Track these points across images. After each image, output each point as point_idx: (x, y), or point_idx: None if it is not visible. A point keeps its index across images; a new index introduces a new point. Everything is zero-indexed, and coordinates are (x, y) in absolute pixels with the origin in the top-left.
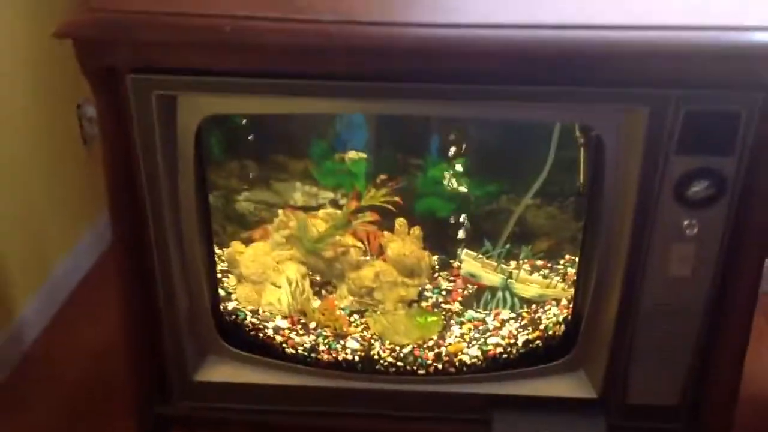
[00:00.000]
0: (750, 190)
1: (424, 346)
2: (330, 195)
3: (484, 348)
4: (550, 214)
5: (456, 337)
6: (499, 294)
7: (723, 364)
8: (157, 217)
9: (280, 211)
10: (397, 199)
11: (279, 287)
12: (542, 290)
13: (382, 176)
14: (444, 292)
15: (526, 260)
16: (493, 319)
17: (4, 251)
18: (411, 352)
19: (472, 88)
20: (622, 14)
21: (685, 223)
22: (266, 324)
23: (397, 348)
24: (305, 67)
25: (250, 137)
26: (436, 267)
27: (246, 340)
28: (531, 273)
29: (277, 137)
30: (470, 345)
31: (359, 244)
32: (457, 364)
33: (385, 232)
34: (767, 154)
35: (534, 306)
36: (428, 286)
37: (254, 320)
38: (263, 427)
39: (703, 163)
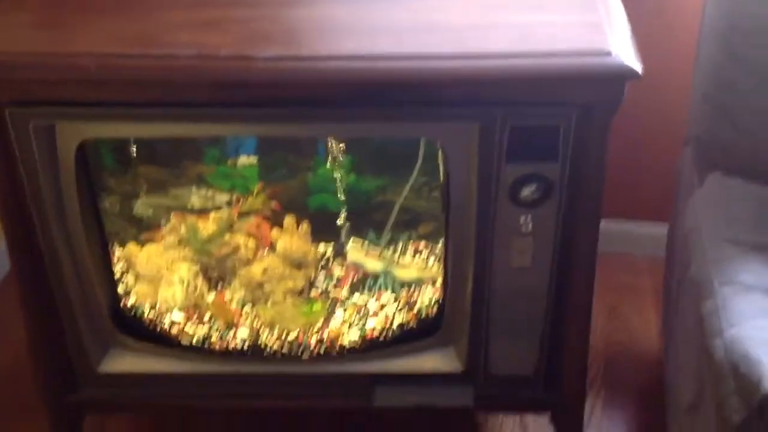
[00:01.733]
0: (575, 189)
1: (309, 332)
2: (225, 197)
3: (363, 332)
4: (428, 202)
5: (338, 321)
6: (381, 279)
7: (570, 336)
8: (45, 227)
9: (172, 215)
10: (273, 205)
11: (173, 285)
12: (419, 273)
13: (260, 184)
14: (335, 280)
15: (411, 242)
16: (375, 302)
17: None
18: (296, 339)
19: (319, 111)
20: (450, 44)
21: (521, 220)
22: (163, 317)
23: (283, 335)
24: (165, 97)
25: (141, 149)
26: (329, 257)
27: (147, 332)
28: (413, 256)
29: (169, 146)
30: (350, 328)
31: (248, 242)
32: (338, 347)
33: (275, 229)
34: (585, 159)
35: (413, 287)
36: (321, 275)
37: (152, 315)
38: (167, 410)
39: (532, 169)
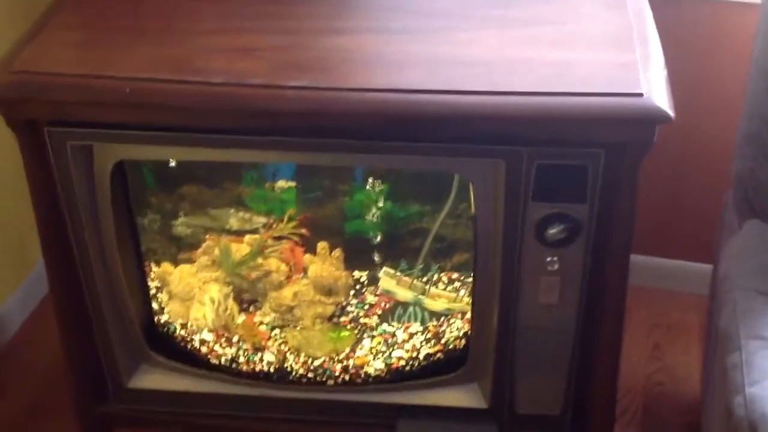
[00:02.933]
0: (604, 229)
1: (335, 359)
2: (263, 220)
3: (388, 361)
4: (463, 231)
5: (365, 350)
6: (411, 309)
7: (598, 375)
8: (80, 243)
9: (207, 236)
10: (304, 231)
11: (204, 305)
12: (450, 304)
13: (292, 210)
14: (366, 306)
15: (443, 273)
16: (403, 332)
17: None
18: (321, 365)
19: (347, 142)
20: (479, 79)
21: (547, 259)
22: (193, 336)
23: (309, 360)
24: (198, 122)
25: (181, 169)
26: (364, 282)
27: (178, 349)
28: (445, 287)
29: (209, 167)
30: (376, 358)
31: (280, 266)
32: (362, 375)
33: (307, 255)
34: (615, 200)
35: (441, 319)
36: (353, 301)
37: (183, 333)
38: (194, 428)
39: (559, 208)
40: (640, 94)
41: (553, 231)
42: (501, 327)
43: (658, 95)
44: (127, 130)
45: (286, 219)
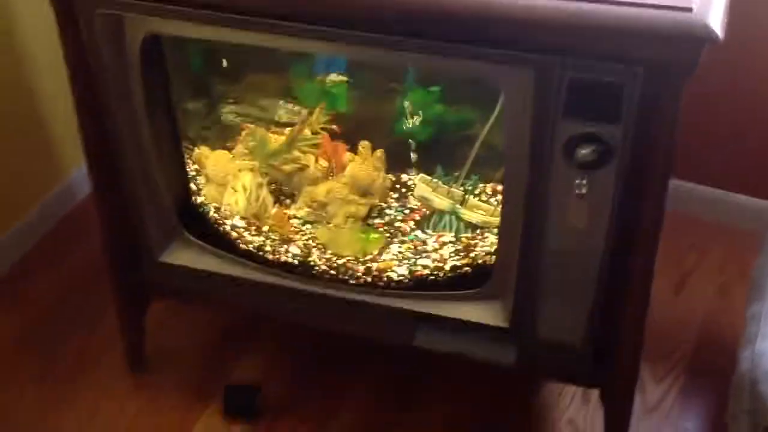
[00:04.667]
0: (639, 154)
1: (360, 259)
2: (311, 113)
3: (413, 268)
4: None
5: (392, 254)
6: (447, 218)
7: (626, 310)
8: (112, 118)
9: (248, 125)
10: (335, 127)
11: (237, 192)
12: (487, 217)
13: (323, 105)
14: (407, 211)
15: (488, 184)
16: (434, 241)
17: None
18: (344, 264)
19: (369, 37)
20: None
21: (576, 181)
22: (225, 221)
23: (333, 258)
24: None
25: (229, 55)
26: (409, 186)
27: (211, 232)
28: (487, 199)
29: (256, 54)
30: (401, 264)
31: (319, 161)
32: (385, 279)
33: (349, 153)
34: (651, 124)
35: (476, 232)
36: (394, 204)
37: (216, 216)
38: (220, 307)
39: (590, 128)
40: (689, 9)
41: (582, 152)
42: (525, 246)
43: (710, 11)
44: (159, 2)
45: (317, 113)
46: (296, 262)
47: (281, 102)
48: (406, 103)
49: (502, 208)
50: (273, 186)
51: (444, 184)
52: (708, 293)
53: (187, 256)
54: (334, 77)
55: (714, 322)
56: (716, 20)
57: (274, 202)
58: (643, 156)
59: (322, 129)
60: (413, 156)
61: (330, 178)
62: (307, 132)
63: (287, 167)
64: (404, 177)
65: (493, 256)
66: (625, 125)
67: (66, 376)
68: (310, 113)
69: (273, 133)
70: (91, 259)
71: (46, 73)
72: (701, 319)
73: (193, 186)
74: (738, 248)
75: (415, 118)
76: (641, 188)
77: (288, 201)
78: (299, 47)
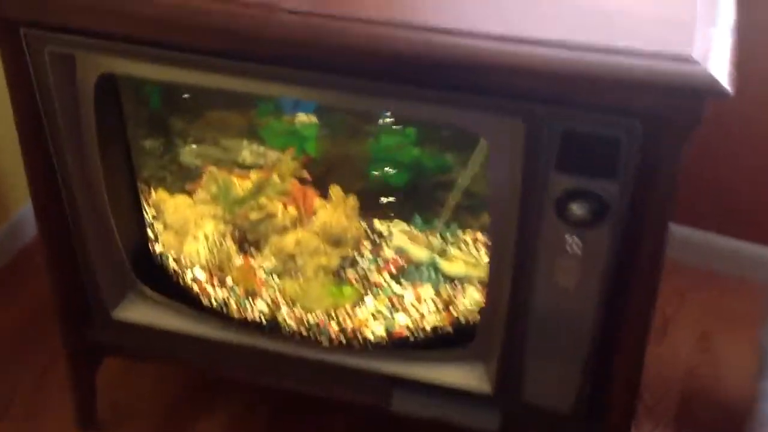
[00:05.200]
0: (636, 211)
1: (332, 316)
2: (278, 155)
3: (390, 326)
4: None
5: (367, 310)
6: (424, 269)
7: (618, 371)
8: (61, 160)
9: (210, 168)
10: (305, 174)
11: (198, 240)
12: (468, 269)
13: (291, 150)
14: (379, 262)
15: (466, 232)
16: (412, 294)
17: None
18: (316, 322)
19: (344, 80)
20: (500, 24)
21: (567, 239)
22: (185, 272)
23: (304, 315)
24: (182, 40)
25: (190, 92)
26: (382, 235)
27: (169, 284)
28: (465, 248)
29: (221, 94)
30: (377, 320)
31: (286, 208)
32: (360, 338)
33: (318, 199)
34: (651, 180)
35: (456, 285)
36: (366, 254)
37: (176, 267)
38: (179, 368)
39: (584, 184)
40: (690, 58)
41: (575, 209)
42: (512, 305)
43: (715, 62)
44: (112, 40)
45: (289, 157)
46: (264, 319)
47: (245, 142)
48: (382, 145)
49: (489, 264)
50: (237, 233)
51: (421, 232)
52: (690, 341)
53: (144, 311)
54: (302, 117)
55: (697, 372)
56: (723, 71)
57: (238, 251)
58: (640, 212)
59: (293, 175)
60: (387, 202)
61: (298, 226)
62: (275, 178)
63: (253, 215)
64: (378, 225)
65: (476, 313)
66: (622, 181)
67: (10, 428)
68: (278, 157)
69: (237, 176)
70: (42, 301)
71: None
72: (684, 368)
73: (150, 233)
74: (720, 293)
75: (394, 160)
76: (636, 243)
77: (253, 249)
78: (269, 91)
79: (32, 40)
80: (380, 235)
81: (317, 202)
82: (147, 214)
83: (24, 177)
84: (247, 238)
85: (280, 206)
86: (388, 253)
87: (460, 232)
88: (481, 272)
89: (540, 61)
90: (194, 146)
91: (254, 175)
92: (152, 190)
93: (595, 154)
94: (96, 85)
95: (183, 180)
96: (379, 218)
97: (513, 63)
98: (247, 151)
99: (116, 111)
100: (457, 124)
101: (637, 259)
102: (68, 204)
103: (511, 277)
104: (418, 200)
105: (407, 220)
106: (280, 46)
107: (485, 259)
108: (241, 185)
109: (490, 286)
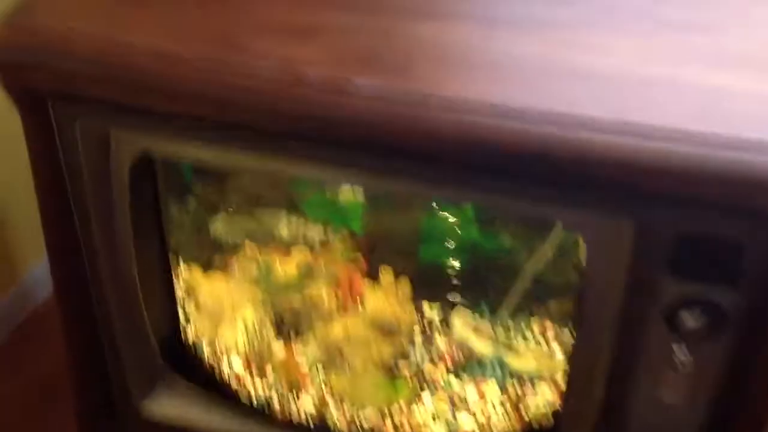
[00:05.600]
0: (757, 323)
1: (386, 413)
2: (319, 231)
3: (452, 427)
4: (566, 274)
5: (426, 409)
6: (488, 364)
7: None
8: (88, 239)
9: (247, 245)
10: (360, 257)
11: (236, 327)
12: (538, 364)
13: (344, 230)
14: (434, 354)
15: (534, 321)
16: (474, 391)
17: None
18: (369, 420)
19: (422, 168)
20: (601, 104)
21: (676, 351)
22: (221, 361)
23: (355, 414)
24: (234, 118)
25: None
26: (432, 325)
27: (204, 374)
28: (533, 340)
29: None
30: (436, 420)
31: (330, 293)
32: None
33: (367, 280)
34: None
35: (525, 382)
36: (419, 345)
37: (210, 354)
38: None
39: (700, 290)
40: None
41: (688, 318)
42: (602, 417)
43: None
44: (151, 116)
45: (344, 240)
46: (310, 419)
47: (283, 215)
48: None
49: (573, 364)
50: (275, 318)
51: (484, 321)
52: None
53: (176, 405)
54: (347, 190)
55: None
56: None
57: (278, 338)
58: (760, 323)
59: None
60: (444, 287)
61: (344, 313)
62: (322, 263)
63: (295, 301)
64: (433, 312)
65: (550, 415)
66: (744, 290)
67: None
68: (321, 233)
69: (277, 254)
70: (53, 373)
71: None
72: None
73: (182, 316)
74: None
75: (450, 241)
76: (753, 358)
77: (293, 337)
78: (335, 178)
79: (62, 115)
80: (436, 324)
81: (366, 285)
82: (179, 295)
83: (34, 233)
84: (286, 325)
85: (325, 290)
86: (445, 344)
87: (527, 322)
88: (554, 368)
89: (654, 155)
90: (227, 217)
91: (297, 255)
92: (185, 268)
93: (713, 258)
94: (132, 164)
95: (216, 255)
96: (434, 305)
97: (624, 156)
98: (285, 225)
99: (151, 185)
100: (551, 218)
101: (753, 375)
102: (93, 282)
103: (604, 388)
104: (478, 285)
105: (467, 307)
106: (352, 130)
107: (558, 353)
108: (282, 267)
109: (574, 388)
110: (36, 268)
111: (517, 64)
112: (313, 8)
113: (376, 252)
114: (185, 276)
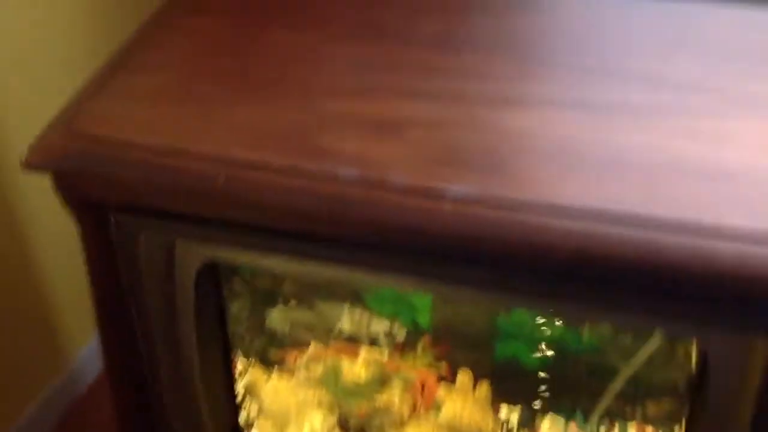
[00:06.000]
0: None
1: None
2: (384, 326)
3: None
4: (665, 373)
5: None
6: None
7: None
8: (151, 351)
9: (313, 344)
10: (443, 366)
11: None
12: None
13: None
14: None
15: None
16: None
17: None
18: None
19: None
20: (727, 203)
21: None
22: None
23: None
24: (313, 229)
25: None
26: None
27: None
28: None
29: None
30: None
31: (404, 397)
32: None
33: (443, 384)
34: None
35: None
36: None
37: None
38: None
39: None
40: None
41: None
42: None
43: None
44: (221, 225)
45: (420, 348)
46: None
47: (346, 307)
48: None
49: None
50: (343, 422)
51: (572, 424)
52: None
53: None
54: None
55: None
56: None
57: None
58: None
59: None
60: (526, 390)
61: (418, 418)
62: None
63: (366, 404)
64: (513, 416)
65: None
66: None
67: None
68: (391, 334)
69: (341, 351)
70: None
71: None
72: None
73: (242, 419)
74: None
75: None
76: None
77: None
78: (422, 290)
79: (124, 227)
80: (517, 429)
81: (442, 389)
82: (241, 396)
83: (82, 317)
84: (353, 430)
85: (398, 394)
86: None
87: (622, 428)
88: None
89: None
90: (284, 310)
91: (366, 355)
92: (246, 367)
93: None
94: (197, 273)
95: (277, 350)
96: (515, 408)
97: (754, 272)
98: (347, 319)
99: (215, 290)
100: (668, 333)
101: None
102: (151, 384)
103: None
104: (564, 388)
105: (554, 412)
106: (442, 241)
107: None
108: (348, 368)
109: None
110: (82, 351)
111: (626, 158)
112: (390, 97)
113: (448, 349)
114: (247, 377)
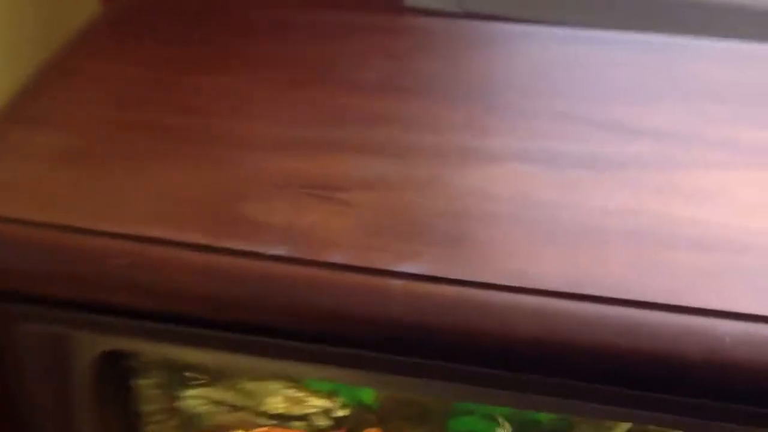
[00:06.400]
0: None
1: None
2: (323, 403)
3: None
4: None
5: None
6: None
7: None
8: None
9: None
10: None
11: None
12: None
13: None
14: None
15: None
16: None
17: None
18: None
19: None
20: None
21: None
22: None
23: None
24: (236, 319)
25: None
26: None
27: None
28: None
29: None
30: None
31: None
32: None
33: None
34: None
35: None
36: None
37: None
38: None
39: None
40: None
41: None
42: None
43: None
44: (121, 315)
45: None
46: None
47: (280, 386)
48: None
49: None
50: None
51: None
52: None
53: None
54: None
55: None
56: None
57: None
58: None
59: None
60: None
61: None
62: None
63: None
64: None
65: None
66: None
67: None
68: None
69: (265, 430)
70: None
71: None
72: None
73: None
74: None
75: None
76: None
77: None
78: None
79: (5, 316)
80: None
81: None
82: None
83: None
84: None
85: None
86: None
87: None
88: None
89: None
90: (204, 389)
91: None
92: None
93: None
94: (94, 365)
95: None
96: None
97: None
98: (280, 398)
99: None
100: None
101: None
102: None
103: None
104: None
105: None
106: (393, 330)
107: None
108: None
109: None
110: None
111: (607, 225)
112: (332, 151)
113: (396, 428)
114: None
